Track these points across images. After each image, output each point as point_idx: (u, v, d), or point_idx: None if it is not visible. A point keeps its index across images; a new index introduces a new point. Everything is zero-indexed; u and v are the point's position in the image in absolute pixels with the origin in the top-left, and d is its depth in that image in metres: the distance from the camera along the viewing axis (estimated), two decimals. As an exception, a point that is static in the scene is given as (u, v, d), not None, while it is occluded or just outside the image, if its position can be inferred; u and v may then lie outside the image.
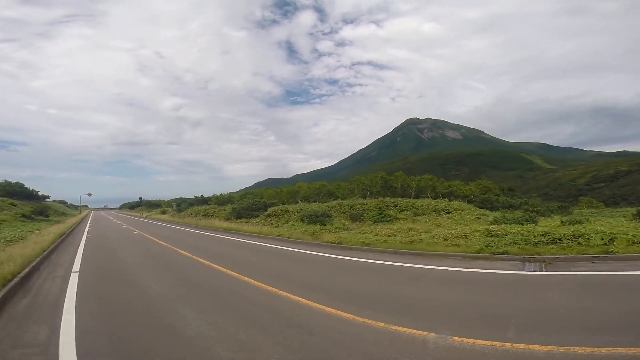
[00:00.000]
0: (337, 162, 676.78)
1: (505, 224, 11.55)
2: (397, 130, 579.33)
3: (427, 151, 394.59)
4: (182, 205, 38.17)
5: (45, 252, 11.83)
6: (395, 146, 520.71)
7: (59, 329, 4.48)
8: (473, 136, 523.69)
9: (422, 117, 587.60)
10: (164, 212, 40.32)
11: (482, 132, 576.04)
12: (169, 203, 55.74)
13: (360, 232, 13.67)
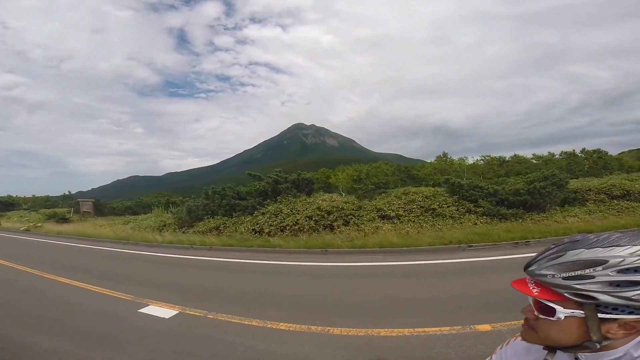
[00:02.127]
0: (219, 161, 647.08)
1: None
2: (284, 133, 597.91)
3: (311, 155, 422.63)
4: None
5: None
6: (282, 149, 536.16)
7: None
8: (348, 145, 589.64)
9: (308, 123, 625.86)
10: (64, 219, 20.14)
11: (355, 141, 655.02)
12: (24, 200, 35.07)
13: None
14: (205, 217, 11.21)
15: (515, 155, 20.01)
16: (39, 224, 18.67)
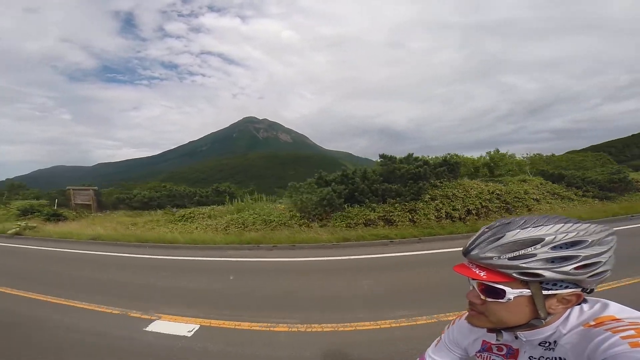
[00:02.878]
0: (160, 152, 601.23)
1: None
2: (234, 126, 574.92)
3: (263, 150, 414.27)
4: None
5: None
6: (230, 142, 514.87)
7: None
8: (300, 141, 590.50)
9: (260, 117, 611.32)
10: (56, 215, 13.43)
11: (307, 137, 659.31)
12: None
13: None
14: (345, 206, 8.89)
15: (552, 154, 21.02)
16: (32, 224, 12.29)
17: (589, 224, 0.69)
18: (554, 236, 0.66)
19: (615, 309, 0.70)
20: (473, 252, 0.71)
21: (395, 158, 10.19)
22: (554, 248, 0.66)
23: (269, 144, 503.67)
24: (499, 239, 0.69)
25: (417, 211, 8.56)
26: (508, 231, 0.69)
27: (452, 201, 8.99)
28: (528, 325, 0.71)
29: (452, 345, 0.97)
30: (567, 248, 0.66)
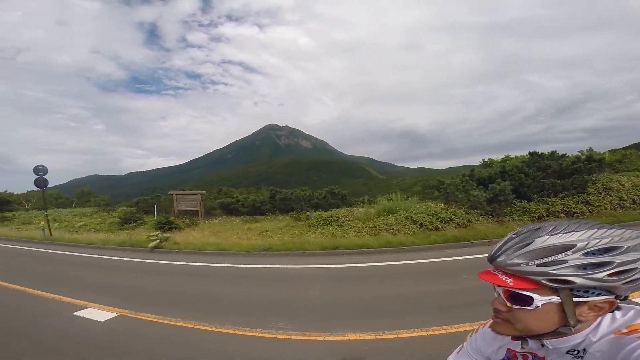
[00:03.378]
0: (187, 161, 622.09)
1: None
2: (256, 134, 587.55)
3: (284, 157, 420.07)
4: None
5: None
6: (254, 150, 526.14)
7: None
8: (321, 147, 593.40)
9: (281, 124, 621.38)
10: (169, 224, 12.57)
11: (327, 143, 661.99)
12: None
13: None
14: (515, 201, 9.46)
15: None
16: (166, 235, 10.44)
17: (624, 230, 0.67)
18: (586, 242, 0.65)
19: None
20: (500, 259, 0.70)
21: (545, 155, 10.63)
22: (586, 254, 0.65)
23: (290, 151, 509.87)
24: (527, 245, 0.68)
25: (591, 203, 8.98)
26: (537, 237, 0.68)
27: (617, 193, 9.36)
28: (556, 333, 0.70)
29: (474, 354, 0.94)
30: (600, 254, 0.65)
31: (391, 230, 9.01)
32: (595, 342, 0.68)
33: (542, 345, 0.75)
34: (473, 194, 9.43)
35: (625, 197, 9.23)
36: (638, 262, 0.64)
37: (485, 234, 7.96)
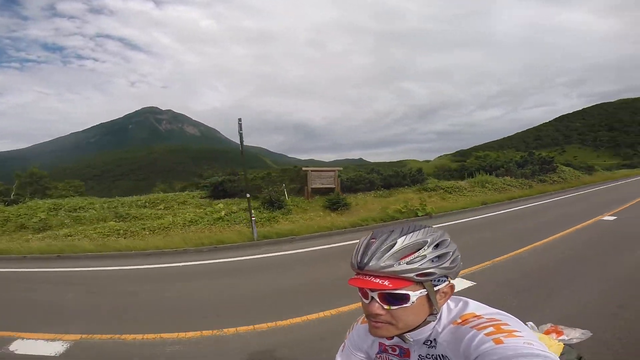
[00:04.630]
0: (32, 145, 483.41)
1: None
2: (130, 117, 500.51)
3: (165, 143, 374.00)
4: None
5: None
6: (125, 133, 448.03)
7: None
8: (210, 135, 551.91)
9: (164, 108, 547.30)
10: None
11: (218, 131, 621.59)
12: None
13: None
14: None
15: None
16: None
17: (434, 227, 0.79)
18: (431, 237, 0.75)
19: (474, 306, 0.80)
20: (371, 263, 0.72)
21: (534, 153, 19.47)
22: (435, 248, 0.74)
23: (173, 137, 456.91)
24: (392, 246, 0.72)
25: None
26: (398, 238, 0.73)
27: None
28: (425, 322, 0.77)
29: (355, 350, 1.01)
30: (440, 247, 0.75)
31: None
32: (440, 333, 0.78)
33: (403, 340, 0.82)
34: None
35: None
36: (457, 251, 0.78)
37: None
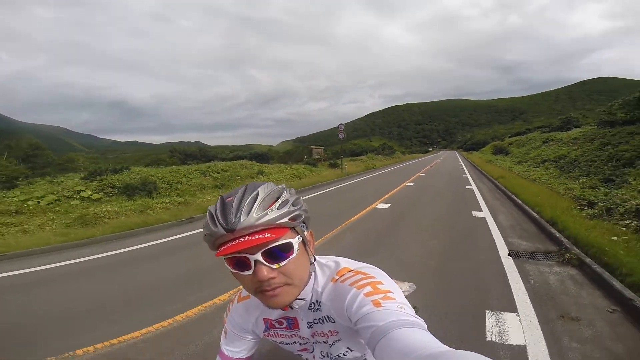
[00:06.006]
0: None
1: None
2: None
3: None
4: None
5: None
6: None
7: None
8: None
9: None
10: None
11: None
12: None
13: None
14: None
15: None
16: None
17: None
18: (279, 186, 0.70)
19: (345, 262, 0.80)
20: (242, 219, 0.62)
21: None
22: (291, 193, 0.70)
23: None
24: (256, 197, 0.65)
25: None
26: (257, 189, 0.66)
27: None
28: (309, 276, 0.74)
29: (240, 332, 0.89)
30: (292, 194, 0.71)
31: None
32: (321, 293, 0.75)
33: (290, 308, 0.74)
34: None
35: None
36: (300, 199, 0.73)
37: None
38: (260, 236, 0.62)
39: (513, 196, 8.66)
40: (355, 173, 20.53)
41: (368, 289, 0.67)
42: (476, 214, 7.10)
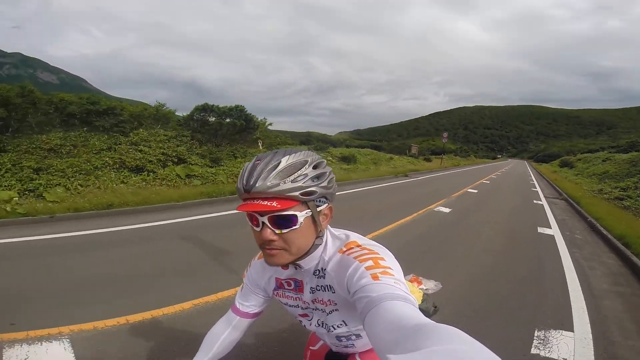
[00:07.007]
0: None
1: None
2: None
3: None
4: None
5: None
6: None
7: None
8: (74, 83, 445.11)
9: (9, 50, 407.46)
10: None
11: (85, 80, 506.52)
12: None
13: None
14: None
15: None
16: None
17: (312, 150, 0.78)
18: (310, 158, 0.73)
19: (355, 237, 0.83)
20: (259, 184, 0.68)
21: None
22: (314, 167, 0.73)
23: (16, 82, 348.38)
24: (277, 166, 0.70)
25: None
26: (282, 157, 0.71)
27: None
28: (313, 247, 0.77)
29: (254, 287, 0.99)
30: (319, 167, 0.74)
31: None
32: (328, 262, 0.79)
33: (296, 268, 0.82)
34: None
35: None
36: (332, 173, 0.77)
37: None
38: (269, 203, 0.68)
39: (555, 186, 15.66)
40: (449, 167, 30.49)
41: (369, 263, 0.70)
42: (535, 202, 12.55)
